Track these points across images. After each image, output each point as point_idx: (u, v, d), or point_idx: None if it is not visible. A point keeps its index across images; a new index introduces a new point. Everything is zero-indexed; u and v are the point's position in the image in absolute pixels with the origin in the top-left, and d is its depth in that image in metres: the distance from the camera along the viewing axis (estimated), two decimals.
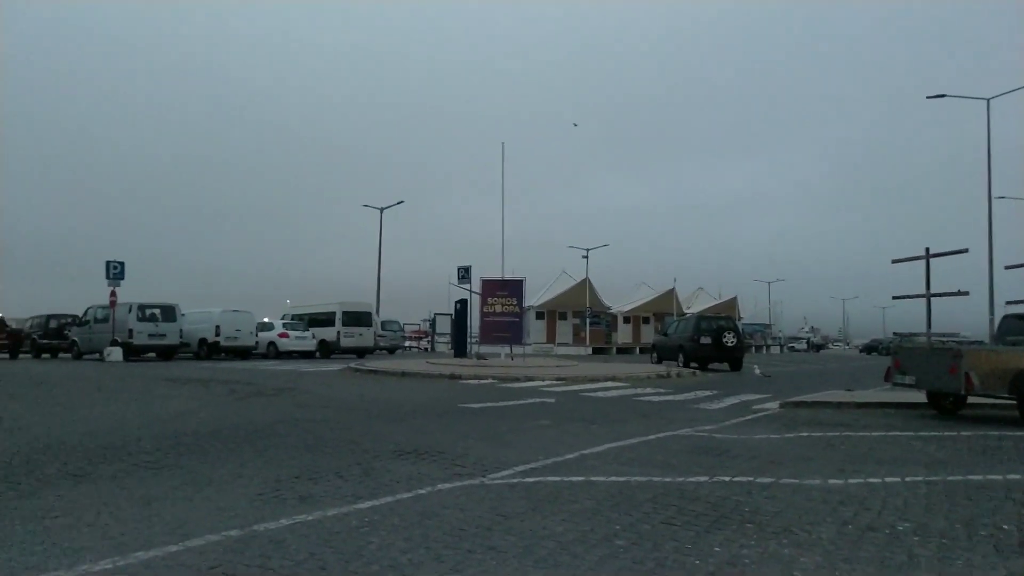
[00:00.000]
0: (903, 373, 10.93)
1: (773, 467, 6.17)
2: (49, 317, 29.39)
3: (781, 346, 72.46)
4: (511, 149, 71.76)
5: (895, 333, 55.46)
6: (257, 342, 28.51)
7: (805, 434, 8.45)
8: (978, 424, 9.67)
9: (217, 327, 27.11)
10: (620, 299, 55.13)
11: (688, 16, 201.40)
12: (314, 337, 29.79)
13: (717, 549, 3.74)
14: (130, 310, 25.17)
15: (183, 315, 26.84)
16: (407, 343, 47.16)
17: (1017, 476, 5.90)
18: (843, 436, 8.34)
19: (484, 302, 23.97)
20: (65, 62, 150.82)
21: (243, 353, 27.77)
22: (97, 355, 25.34)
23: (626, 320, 53.92)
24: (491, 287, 24.07)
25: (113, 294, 25.39)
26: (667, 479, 5.54)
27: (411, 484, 5.21)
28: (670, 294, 51.84)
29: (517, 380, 16.31)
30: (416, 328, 54.20)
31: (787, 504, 4.75)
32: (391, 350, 39.72)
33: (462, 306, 27.33)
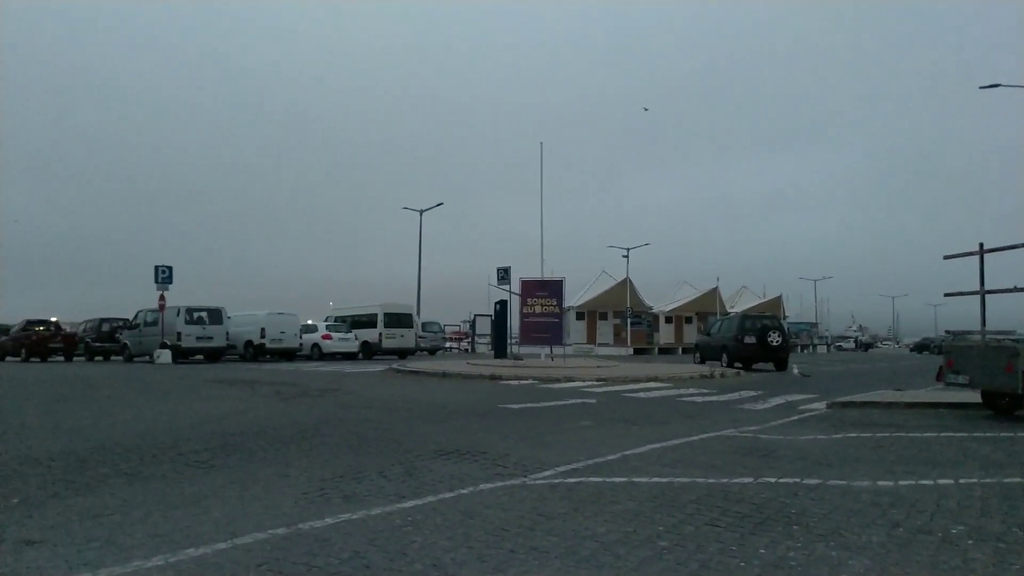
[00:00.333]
0: (956, 372, 10.63)
1: (820, 468, 6.03)
2: (101, 320, 30.23)
3: (828, 345, 71.04)
4: (548, 150, 71.65)
5: (947, 331, 53.94)
6: (301, 344, 28.97)
7: (853, 435, 8.24)
8: None
9: (262, 329, 27.64)
10: (662, 299, 54.65)
11: (727, 12, 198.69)
12: (356, 339, 30.17)
13: (762, 551, 3.67)
14: (178, 313, 25.85)
15: (229, 318, 27.50)
16: (448, 344, 47.38)
17: None
18: (893, 437, 8.11)
19: (524, 303, 23.88)
20: (118, 70, 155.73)
21: (288, 355, 28.32)
22: (147, 357, 26.09)
23: (668, 320, 53.35)
24: (530, 288, 23.98)
25: (162, 298, 26.14)
26: (711, 480, 5.46)
27: (453, 484, 5.24)
28: (713, 293, 51.19)
29: (558, 381, 16.27)
30: (456, 329, 54.40)
31: (835, 506, 4.64)
32: (432, 351, 40.03)
33: (502, 307, 27.39)
